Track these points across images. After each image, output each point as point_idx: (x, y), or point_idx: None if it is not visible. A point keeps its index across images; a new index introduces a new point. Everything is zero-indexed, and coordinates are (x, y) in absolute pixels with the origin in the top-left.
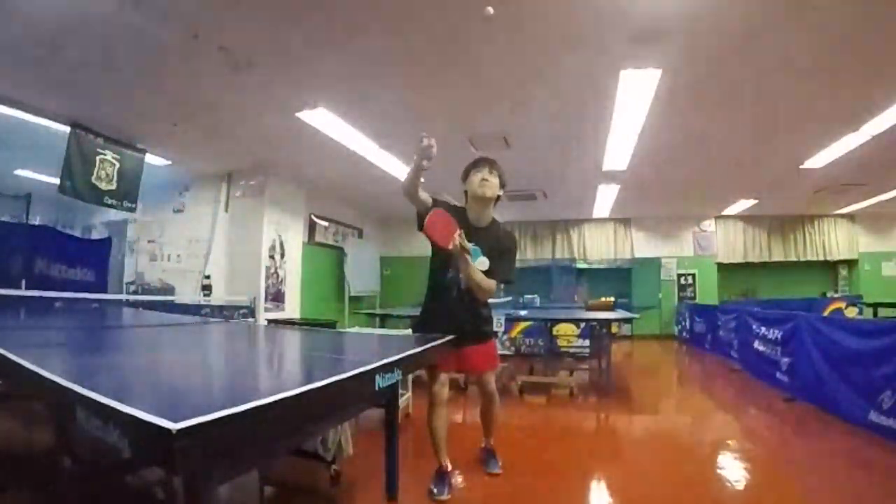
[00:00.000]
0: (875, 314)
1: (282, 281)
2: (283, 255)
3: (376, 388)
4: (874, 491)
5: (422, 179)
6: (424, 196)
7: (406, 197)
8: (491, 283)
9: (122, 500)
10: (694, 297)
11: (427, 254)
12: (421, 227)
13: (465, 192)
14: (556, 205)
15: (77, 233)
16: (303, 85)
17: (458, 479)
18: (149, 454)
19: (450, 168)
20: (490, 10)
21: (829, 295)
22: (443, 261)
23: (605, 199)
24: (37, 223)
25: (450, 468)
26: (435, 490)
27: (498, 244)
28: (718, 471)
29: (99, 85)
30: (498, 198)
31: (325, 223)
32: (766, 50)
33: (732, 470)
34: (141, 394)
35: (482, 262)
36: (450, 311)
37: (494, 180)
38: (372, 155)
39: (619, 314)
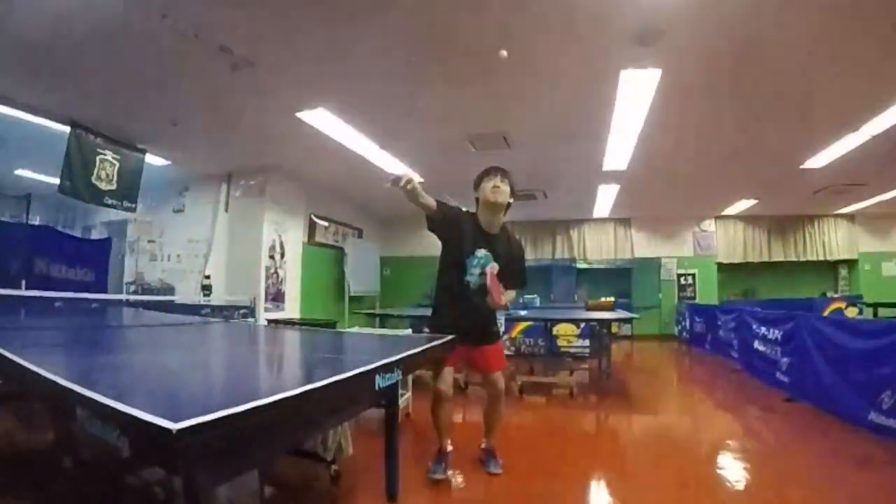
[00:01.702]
0: (875, 314)
1: (282, 281)
2: (283, 255)
3: (376, 388)
4: (874, 491)
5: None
6: (429, 199)
7: (412, 203)
8: (513, 297)
9: (122, 500)
10: (694, 297)
11: (427, 253)
12: (431, 228)
13: (477, 199)
14: (556, 205)
15: (77, 233)
16: (303, 85)
17: (458, 480)
18: (149, 454)
19: (450, 168)
20: (504, 53)
21: (829, 295)
22: (459, 265)
23: (605, 199)
24: (37, 223)
25: (450, 448)
26: (433, 468)
27: (509, 250)
28: (718, 471)
29: (99, 85)
30: (509, 204)
31: (325, 223)
32: (766, 50)
33: (732, 470)
34: (141, 394)
35: (493, 266)
36: (466, 313)
37: (506, 187)
38: (372, 155)
39: (619, 314)
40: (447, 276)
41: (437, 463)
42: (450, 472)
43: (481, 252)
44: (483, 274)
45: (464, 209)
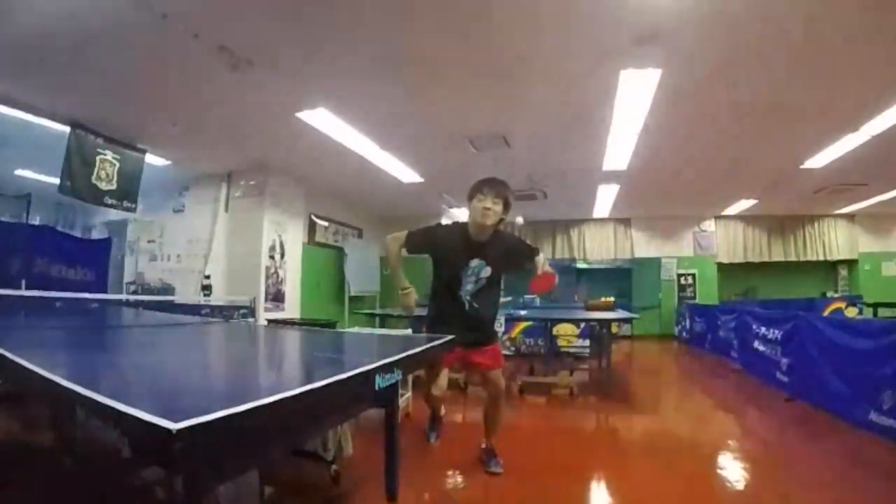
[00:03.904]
0: (875, 314)
1: (282, 281)
2: (283, 255)
3: (376, 388)
4: (874, 491)
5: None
6: (398, 236)
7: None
8: (544, 259)
9: (123, 500)
10: (694, 297)
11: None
12: (410, 251)
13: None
14: (556, 205)
15: (77, 233)
16: (303, 85)
17: (458, 479)
18: (149, 454)
19: (450, 168)
20: (520, 219)
21: (829, 295)
22: (452, 279)
23: (605, 199)
24: (37, 223)
25: (444, 412)
26: (429, 433)
27: (503, 248)
28: (718, 471)
29: (99, 85)
30: (501, 220)
31: (325, 223)
32: (765, 50)
33: (732, 470)
34: (141, 394)
35: (486, 271)
36: (463, 322)
37: (497, 208)
38: (372, 155)
39: (619, 314)
40: (441, 291)
41: (431, 427)
42: (441, 474)
43: (475, 262)
44: (479, 280)
45: (448, 223)
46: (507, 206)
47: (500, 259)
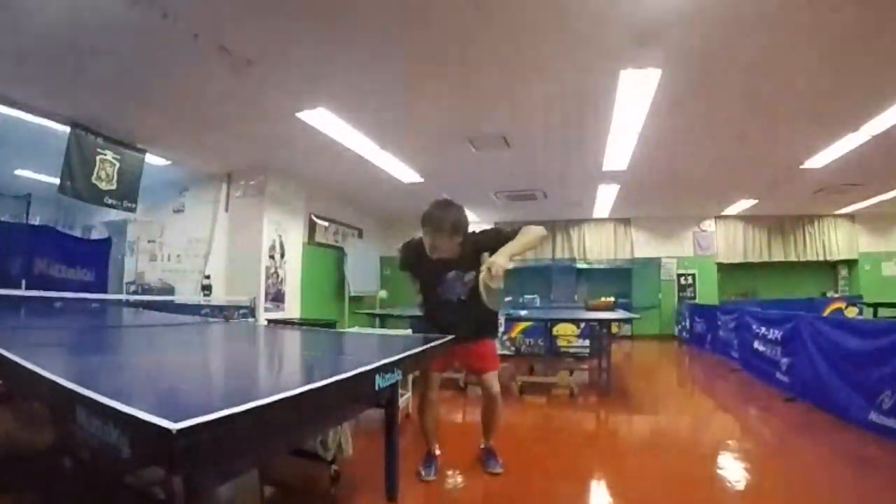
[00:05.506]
0: (875, 314)
1: (282, 281)
2: (283, 255)
3: (376, 389)
4: (874, 491)
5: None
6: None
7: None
8: (515, 248)
9: (122, 500)
10: (694, 297)
11: None
12: (402, 268)
13: None
14: (556, 205)
15: (77, 233)
16: (303, 85)
17: (458, 479)
18: (149, 454)
19: (450, 168)
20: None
21: (829, 295)
22: (434, 287)
23: (605, 199)
24: (37, 223)
25: (438, 452)
26: (423, 472)
27: (475, 250)
28: (718, 471)
29: (99, 85)
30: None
31: (325, 223)
32: (765, 50)
33: (732, 470)
34: (141, 394)
35: (470, 274)
36: (451, 317)
37: (441, 243)
38: (372, 155)
39: (619, 314)
40: (431, 298)
41: (426, 466)
42: (441, 474)
43: (451, 274)
44: (466, 284)
45: (417, 239)
46: (456, 231)
47: (475, 259)
